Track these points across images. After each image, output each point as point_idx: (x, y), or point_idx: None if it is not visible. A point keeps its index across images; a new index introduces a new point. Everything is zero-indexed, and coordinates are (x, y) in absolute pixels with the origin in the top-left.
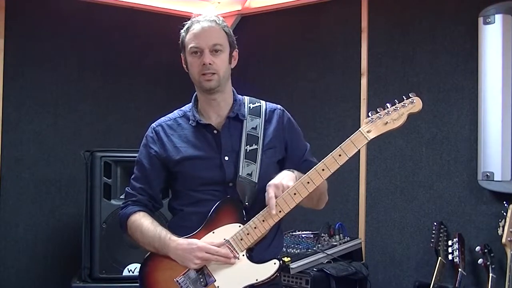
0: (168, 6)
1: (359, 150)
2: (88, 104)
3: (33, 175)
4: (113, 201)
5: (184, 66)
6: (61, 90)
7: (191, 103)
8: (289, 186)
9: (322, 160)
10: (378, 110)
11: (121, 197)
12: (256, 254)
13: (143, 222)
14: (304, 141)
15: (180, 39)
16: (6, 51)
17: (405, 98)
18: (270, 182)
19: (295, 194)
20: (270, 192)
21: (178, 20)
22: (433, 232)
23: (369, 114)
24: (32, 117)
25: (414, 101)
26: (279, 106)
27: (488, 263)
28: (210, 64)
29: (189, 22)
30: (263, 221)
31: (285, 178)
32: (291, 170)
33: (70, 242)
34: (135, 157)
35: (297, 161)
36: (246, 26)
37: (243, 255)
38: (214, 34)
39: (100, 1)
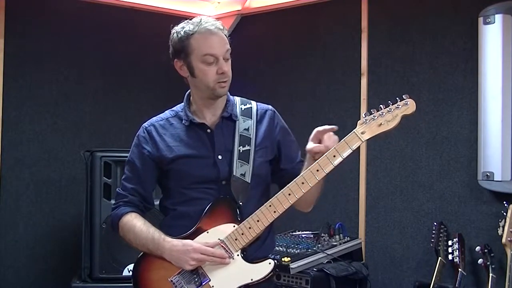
0: (168, 6)
1: (355, 151)
2: (88, 104)
3: (33, 175)
4: (113, 201)
5: (187, 72)
6: (61, 90)
7: (182, 103)
8: None
9: (317, 161)
10: (372, 112)
11: None
12: (250, 253)
13: (136, 223)
14: (295, 141)
15: (180, 44)
16: (6, 51)
17: (399, 100)
18: None
19: (289, 194)
20: None
21: (178, 20)
22: (433, 232)
23: (363, 116)
24: (32, 117)
25: (408, 103)
26: (270, 107)
27: (488, 263)
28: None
29: (188, 26)
30: (258, 221)
31: None
32: None
33: (70, 242)
34: None
35: (292, 161)
36: (246, 26)
37: (238, 255)
38: (225, 41)
39: (100, 1)
